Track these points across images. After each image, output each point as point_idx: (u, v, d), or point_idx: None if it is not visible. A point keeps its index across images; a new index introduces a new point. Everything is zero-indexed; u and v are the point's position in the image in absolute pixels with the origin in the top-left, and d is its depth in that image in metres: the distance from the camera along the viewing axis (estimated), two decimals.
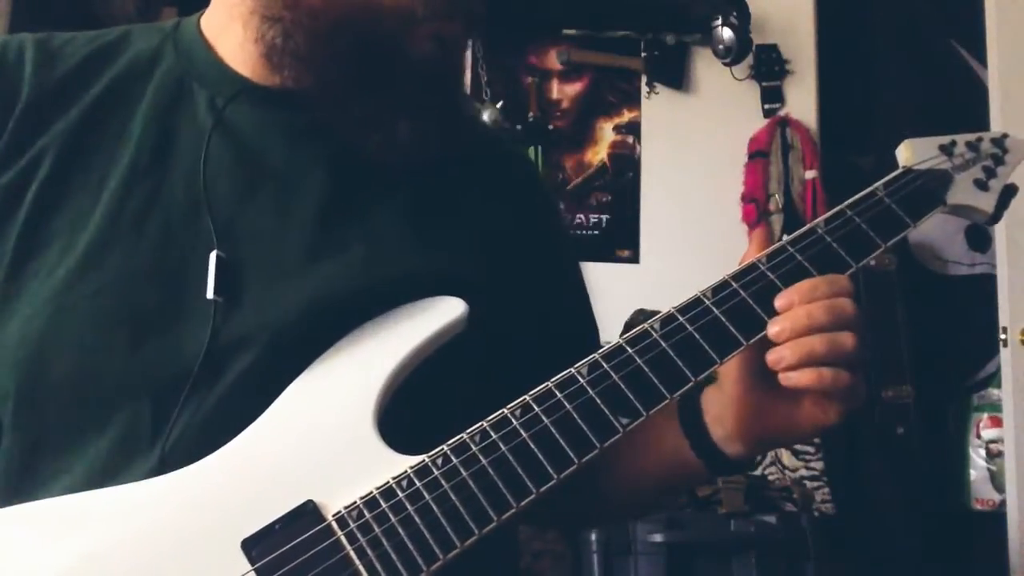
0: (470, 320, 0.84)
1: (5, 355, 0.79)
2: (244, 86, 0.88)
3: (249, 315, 0.81)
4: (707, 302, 0.83)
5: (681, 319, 0.82)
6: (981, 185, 0.94)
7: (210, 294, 0.80)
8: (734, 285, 0.83)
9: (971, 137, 0.96)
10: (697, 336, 0.81)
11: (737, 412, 0.85)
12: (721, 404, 0.87)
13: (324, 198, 0.86)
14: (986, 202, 0.94)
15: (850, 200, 0.89)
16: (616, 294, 3.13)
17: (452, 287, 0.85)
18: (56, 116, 0.85)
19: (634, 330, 0.82)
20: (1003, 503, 2.86)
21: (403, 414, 0.80)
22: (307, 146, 0.88)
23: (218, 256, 0.81)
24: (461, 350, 0.84)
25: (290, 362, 0.80)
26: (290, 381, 0.79)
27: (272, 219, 0.85)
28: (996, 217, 0.94)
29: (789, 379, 0.80)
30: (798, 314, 0.81)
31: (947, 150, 0.94)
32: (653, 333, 0.81)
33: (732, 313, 0.82)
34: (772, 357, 0.81)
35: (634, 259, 3.30)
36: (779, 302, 0.82)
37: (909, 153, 0.94)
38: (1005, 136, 0.97)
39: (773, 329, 0.81)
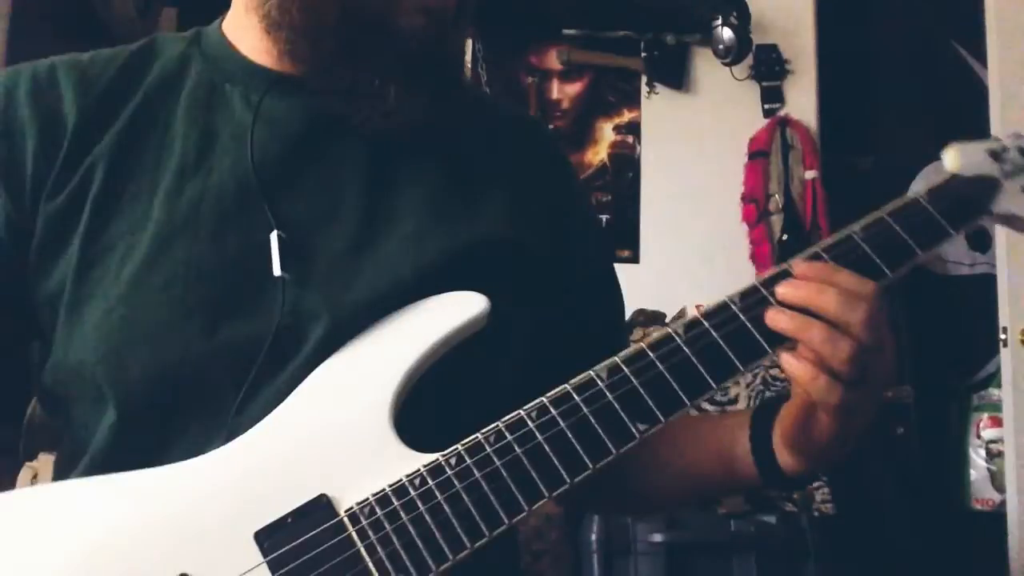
0: (513, 301, 0.85)
1: (86, 359, 0.82)
2: (274, 78, 0.91)
3: (317, 292, 0.83)
4: (734, 308, 0.80)
5: (706, 324, 0.80)
6: None
7: (277, 271, 0.82)
8: (763, 291, 0.81)
9: (1023, 142, 0.91)
10: (722, 343, 0.79)
11: (792, 418, 0.84)
12: (785, 408, 0.86)
13: (367, 176, 0.89)
14: None
15: (889, 206, 0.86)
16: None
17: (510, 251, 0.88)
18: (100, 132, 0.88)
19: (656, 334, 0.80)
20: (1003, 503, 2.86)
21: (423, 410, 0.81)
22: (342, 128, 0.90)
23: (279, 235, 0.83)
24: (487, 343, 0.84)
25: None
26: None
27: (321, 200, 0.87)
28: None
29: (782, 359, 0.78)
30: (810, 286, 0.79)
31: (997, 155, 0.90)
32: (677, 338, 0.79)
33: (760, 320, 0.79)
34: (769, 314, 0.79)
35: (634, 259, 3.30)
36: (798, 269, 0.80)
37: (956, 157, 0.89)
38: None
39: (781, 290, 0.80)
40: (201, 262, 0.83)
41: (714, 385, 0.78)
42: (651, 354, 0.79)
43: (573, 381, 0.78)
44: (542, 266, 0.93)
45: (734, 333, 0.80)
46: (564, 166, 1.10)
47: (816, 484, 2.83)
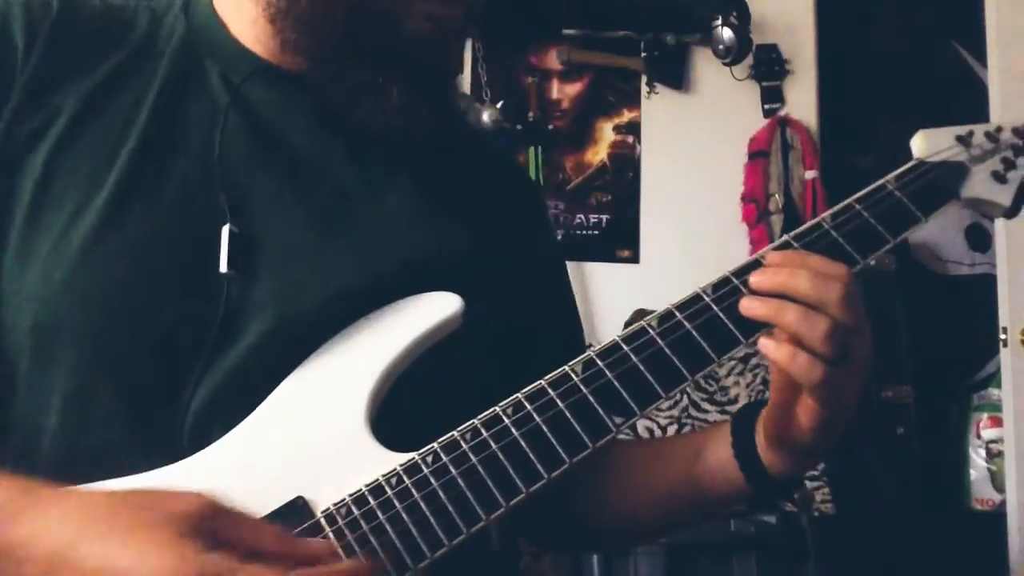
0: (478, 309, 0.84)
1: (23, 300, 0.79)
2: (259, 65, 0.89)
3: (264, 292, 0.81)
4: (707, 299, 0.81)
5: (679, 316, 0.80)
6: (999, 178, 0.90)
7: (223, 268, 0.80)
8: (735, 281, 0.82)
9: (990, 127, 0.92)
10: (695, 334, 0.80)
11: (775, 408, 0.84)
12: (765, 410, 0.86)
13: (338, 180, 0.87)
14: (1003, 195, 0.90)
15: (858, 194, 0.86)
16: (616, 294, 3.14)
17: (466, 271, 0.87)
18: (74, 75, 0.85)
19: (630, 328, 0.81)
20: (1003, 503, 2.86)
21: (399, 410, 0.81)
22: (321, 128, 0.89)
23: (231, 230, 0.81)
24: (461, 344, 0.84)
25: (304, 343, 0.80)
26: (301, 362, 0.80)
27: (287, 197, 0.85)
28: (1014, 211, 0.91)
29: (760, 343, 0.78)
30: (781, 272, 0.79)
31: (964, 141, 0.90)
32: (650, 331, 0.80)
33: (732, 310, 0.80)
34: (743, 303, 0.79)
35: (634, 259, 3.29)
36: (769, 257, 0.81)
37: (923, 144, 0.90)
38: None
39: (753, 278, 0.80)
40: (155, 240, 0.81)
41: (689, 376, 0.78)
42: (625, 347, 0.79)
43: (548, 377, 0.78)
44: (499, 288, 0.92)
45: (707, 324, 0.80)
46: (536, 197, 1.10)
47: (816, 484, 2.83)
